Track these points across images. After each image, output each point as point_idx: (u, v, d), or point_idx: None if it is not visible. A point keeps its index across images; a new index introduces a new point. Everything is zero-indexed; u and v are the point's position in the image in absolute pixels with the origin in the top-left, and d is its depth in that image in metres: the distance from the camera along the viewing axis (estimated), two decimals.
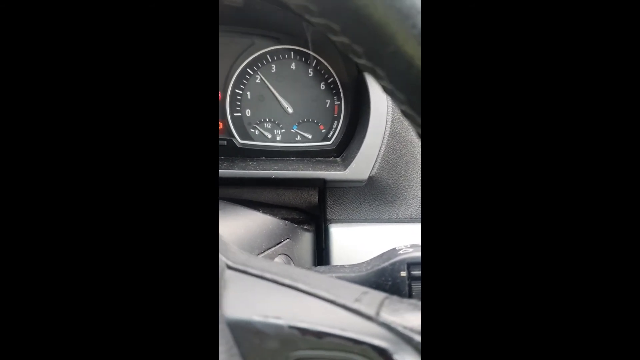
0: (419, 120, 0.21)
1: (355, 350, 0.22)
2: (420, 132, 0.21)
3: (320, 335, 0.23)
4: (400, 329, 0.23)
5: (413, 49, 0.19)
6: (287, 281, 0.25)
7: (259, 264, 0.27)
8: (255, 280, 0.26)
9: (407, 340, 0.23)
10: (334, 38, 0.21)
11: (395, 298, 0.25)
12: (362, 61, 0.21)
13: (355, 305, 0.24)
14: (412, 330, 0.23)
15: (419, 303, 0.24)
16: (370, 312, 0.24)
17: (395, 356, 0.22)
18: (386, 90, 0.22)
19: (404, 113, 0.22)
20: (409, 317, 0.23)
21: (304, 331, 0.23)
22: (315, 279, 0.26)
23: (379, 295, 0.26)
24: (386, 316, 0.23)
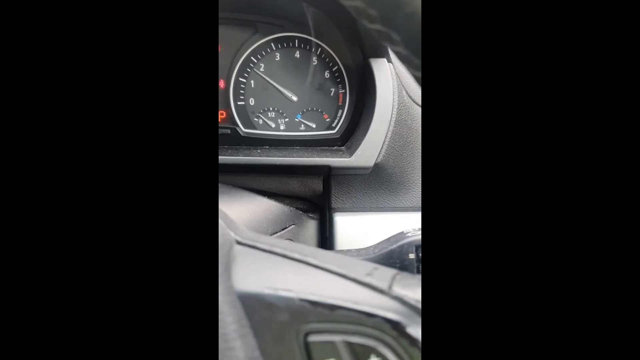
0: None
1: (367, 323, 0.22)
2: None
3: (332, 308, 0.22)
4: (413, 302, 0.22)
5: None
6: (296, 256, 0.25)
7: (268, 240, 0.27)
8: (265, 254, 0.25)
9: (421, 313, 0.22)
10: (347, 3, 0.21)
11: (406, 274, 0.25)
12: (376, 26, 0.21)
13: (367, 279, 0.23)
14: None
15: None
16: (383, 286, 0.23)
17: (408, 329, 0.22)
18: (401, 56, 0.21)
19: (418, 80, 0.21)
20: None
21: (315, 304, 0.22)
22: (325, 254, 0.26)
23: (390, 270, 0.25)
24: (399, 290, 0.23)
